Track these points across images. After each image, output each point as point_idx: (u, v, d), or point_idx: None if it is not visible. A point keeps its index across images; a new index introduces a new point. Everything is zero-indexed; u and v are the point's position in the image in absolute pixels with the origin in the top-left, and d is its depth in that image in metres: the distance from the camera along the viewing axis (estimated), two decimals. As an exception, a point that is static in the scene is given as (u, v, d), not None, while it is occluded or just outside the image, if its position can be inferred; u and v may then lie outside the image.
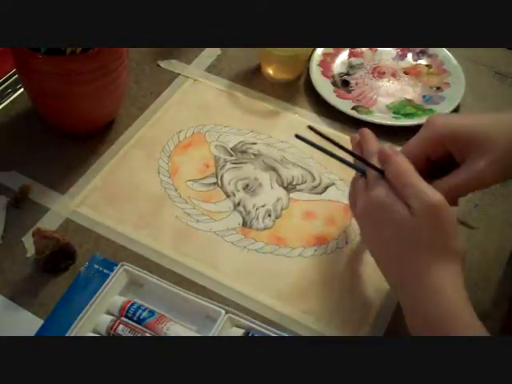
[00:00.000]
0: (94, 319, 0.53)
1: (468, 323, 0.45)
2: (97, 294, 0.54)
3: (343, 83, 0.77)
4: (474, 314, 0.46)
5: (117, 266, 0.57)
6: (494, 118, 0.53)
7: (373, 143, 0.54)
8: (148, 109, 0.73)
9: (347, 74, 0.78)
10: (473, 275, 0.59)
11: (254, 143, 0.70)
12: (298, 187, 0.66)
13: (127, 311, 0.54)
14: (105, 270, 0.57)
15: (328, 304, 0.57)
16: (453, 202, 0.52)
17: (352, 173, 0.56)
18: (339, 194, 0.65)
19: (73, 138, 0.69)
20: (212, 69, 0.79)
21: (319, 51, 0.79)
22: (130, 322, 0.53)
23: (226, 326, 0.53)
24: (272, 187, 0.65)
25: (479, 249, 0.61)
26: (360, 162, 0.53)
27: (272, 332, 0.53)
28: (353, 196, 0.54)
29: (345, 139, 0.70)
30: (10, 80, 0.75)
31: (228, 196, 0.65)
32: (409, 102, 0.74)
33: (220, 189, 0.65)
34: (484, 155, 0.50)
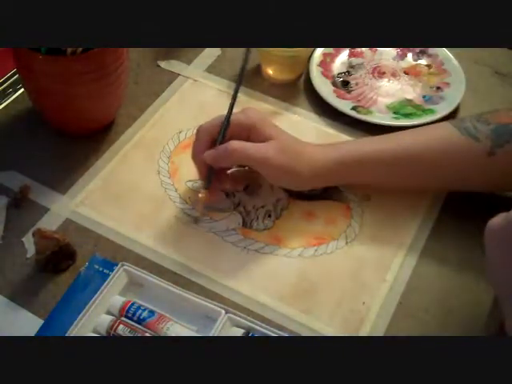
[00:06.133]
0: (94, 319, 0.53)
1: None
2: (97, 294, 0.54)
3: (343, 83, 0.77)
4: None
5: (117, 266, 0.57)
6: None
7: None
8: (148, 109, 0.73)
9: (347, 73, 0.78)
10: (473, 275, 0.59)
11: (254, 143, 0.70)
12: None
13: (127, 311, 0.54)
14: (105, 270, 0.57)
15: (328, 304, 0.57)
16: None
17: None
18: (339, 194, 0.65)
19: (73, 138, 0.69)
20: (212, 69, 0.79)
21: (319, 51, 0.79)
22: (130, 321, 0.53)
23: (226, 326, 0.53)
24: (272, 188, 0.65)
25: (479, 248, 0.61)
26: None
27: (272, 332, 0.53)
28: None
29: (345, 139, 0.70)
30: (11, 80, 0.76)
31: (228, 196, 0.65)
32: (409, 102, 0.74)
33: (220, 189, 0.65)
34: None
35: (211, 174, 0.60)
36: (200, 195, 0.61)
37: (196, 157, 0.60)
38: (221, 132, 0.59)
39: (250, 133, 0.60)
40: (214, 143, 0.60)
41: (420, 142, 0.60)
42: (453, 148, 0.59)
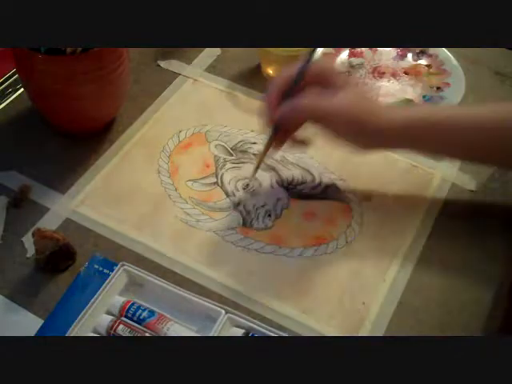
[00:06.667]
0: (94, 319, 0.53)
1: None
2: (97, 294, 0.54)
3: (343, 83, 0.76)
4: None
5: (117, 266, 0.57)
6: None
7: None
8: (148, 109, 0.73)
9: (347, 73, 0.78)
10: (473, 275, 0.59)
11: (254, 143, 0.70)
12: (298, 187, 0.66)
13: (127, 311, 0.54)
14: (105, 270, 0.57)
15: (328, 304, 0.57)
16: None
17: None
18: (339, 194, 0.65)
19: (73, 138, 0.69)
20: (212, 69, 0.79)
21: (319, 51, 0.79)
22: (130, 322, 0.53)
23: (226, 326, 0.53)
24: (272, 187, 0.65)
25: (480, 248, 0.61)
26: None
27: (272, 332, 0.53)
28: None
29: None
30: (10, 80, 0.76)
31: (228, 196, 0.65)
32: (409, 102, 0.74)
33: (220, 188, 0.65)
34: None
35: (276, 132, 0.59)
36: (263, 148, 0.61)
37: (267, 111, 0.58)
38: (292, 84, 0.57)
39: (322, 82, 0.57)
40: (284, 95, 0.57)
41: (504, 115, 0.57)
42: None
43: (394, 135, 0.58)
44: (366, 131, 0.57)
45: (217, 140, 0.70)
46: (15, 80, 0.75)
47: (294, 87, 0.57)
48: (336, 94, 0.56)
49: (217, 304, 0.54)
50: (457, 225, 0.62)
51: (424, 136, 0.58)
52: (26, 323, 0.54)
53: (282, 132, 0.59)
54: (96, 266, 0.58)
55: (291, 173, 0.67)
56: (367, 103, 0.58)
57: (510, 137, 0.56)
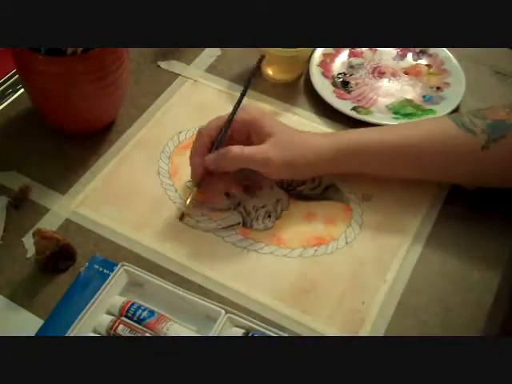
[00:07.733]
0: (94, 319, 0.53)
1: None
2: (97, 294, 0.54)
3: (343, 83, 0.77)
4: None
5: (117, 266, 0.57)
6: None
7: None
8: (148, 109, 0.73)
9: (347, 74, 0.78)
10: (473, 275, 0.59)
11: (254, 143, 0.70)
12: (297, 188, 0.66)
13: (127, 311, 0.54)
14: (105, 270, 0.57)
15: (328, 304, 0.57)
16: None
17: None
18: (339, 195, 0.65)
19: (73, 138, 0.69)
20: (212, 69, 0.79)
21: (319, 52, 0.79)
22: (130, 321, 0.53)
23: (226, 326, 0.53)
24: (272, 188, 0.65)
25: (480, 248, 0.61)
26: None
27: (272, 332, 0.53)
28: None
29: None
30: (11, 80, 0.76)
31: (228, 196, 0.65)
32: (409, 102, 0.74)
33: (220, 189, 0.65)
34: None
35: (204, 176, 0.61)
36: (192, 192, 0.62)
37: (193, 157, 0.61)
38: (220, 135, 0.60)
39: (251, 128, 0.61)
40: (212, 144, 0.60)
41: (419, 134, 0.61)
42: (450, 141, 0.60)
43: (326, 164, 0.61)
44: (299, 167, 0.61)
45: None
46: (15, 80, 0.75)
47: (221, 138, 0.61)
48: (263, 139, 0.60)
49: (217, 304, 0.54)
50: (457, 225, 0.62)
51: (352, 161, 0.62)
52: (26, 323, 0.54)
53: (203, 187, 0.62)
54: (96, 267, 0.58)
55: (291, 173, 0.67)
56: (295, 142, 0.61)
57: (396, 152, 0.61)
